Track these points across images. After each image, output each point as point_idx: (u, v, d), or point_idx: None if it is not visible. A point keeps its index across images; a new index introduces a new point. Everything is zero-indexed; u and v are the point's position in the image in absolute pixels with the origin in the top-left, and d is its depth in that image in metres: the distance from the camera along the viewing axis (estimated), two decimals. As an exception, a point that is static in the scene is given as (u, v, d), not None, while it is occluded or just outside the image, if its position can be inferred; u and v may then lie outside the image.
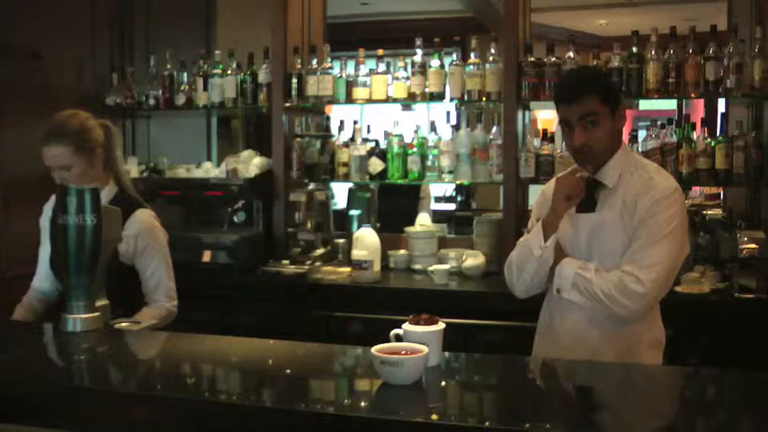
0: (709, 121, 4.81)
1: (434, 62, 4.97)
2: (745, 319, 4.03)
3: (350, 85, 5.16)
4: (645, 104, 6.60)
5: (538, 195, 3.38)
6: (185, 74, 5.59)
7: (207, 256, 5.02)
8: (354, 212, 5.48)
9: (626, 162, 3.11)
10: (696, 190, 6.68)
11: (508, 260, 3.23)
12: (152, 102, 5.60)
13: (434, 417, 2.22)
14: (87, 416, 2.48)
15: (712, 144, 4.54)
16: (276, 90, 5.28)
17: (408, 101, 5.07)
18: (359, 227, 4.95)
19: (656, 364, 3.12)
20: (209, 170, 5.50)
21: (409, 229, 5.11)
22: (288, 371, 2.75)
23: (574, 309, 3.05)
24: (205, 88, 5.47)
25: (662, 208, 2.98)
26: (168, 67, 5.57)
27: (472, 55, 4.95)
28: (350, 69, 5.20)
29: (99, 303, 3.15)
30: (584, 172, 3.09)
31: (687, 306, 4.13)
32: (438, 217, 5.49)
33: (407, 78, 5.03)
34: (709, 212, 5.61)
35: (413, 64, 5.01)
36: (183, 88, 5.54)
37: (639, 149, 4.69)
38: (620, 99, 3.12)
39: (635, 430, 2.22)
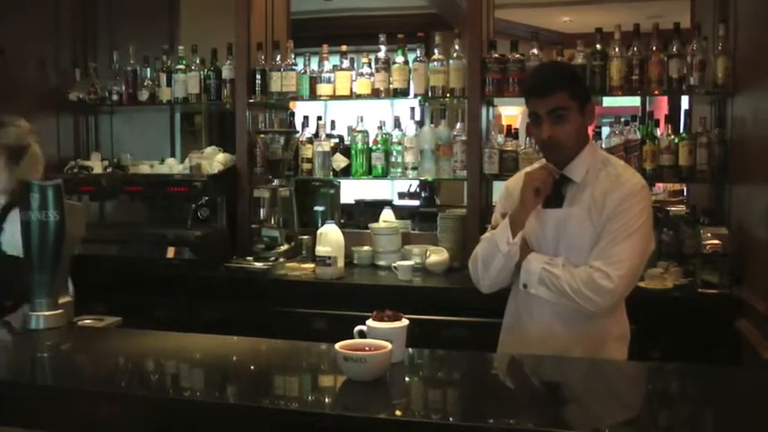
0: (672, 118, 4.86)
1: (398, 58, 4.97)
2: (708, 314, 4.07)
3: (314, 81, 5.15)
4: (608, 101, 6.65)
5: (501, 191, 3.39)
6: (148, 69, 5.56)
7: (171, 252, 4.97)
8: (318, 209, 5.47)
9: (593, 158, 3.14)
10: (660, 186, 6.75)
11: (473, 255, 3.24)
12: (115, 97, 5.56)
13: (398, 413, 2.24)
14: (50, 414, 2.47)
15: (676, 141, 4.58)
16: (240, 86, 5.26)
17: (372, 97, 5.06)
18: (323, 223, 4.94)
19: (623, 358, 3.16)
20: (173, 166, 5.48)
21: (373, 225, 5.11)
22: (251, 367, 2.75)
23: (540, 304, 3.07)
24: (168, 84, 5.45)
25: (630, 205, 3.02)
26: (131, 62, 5.53)
27: (436, 51, 4.96)
28: (314, 65, 5.18)
29: (62, 300, 3.14)
30: (552, 167, 3.11)
31: (650, 301, 4.15)
32: (402, 213, 5.49)
33: (371, 75, 5.03)
34: (672, 209, 5.69)
35: (377, 60, 5.01)
36: (146, 84, 5.50)
37: (603, 146, 4.70)
38: (589, 96, 3.15)
39: (599, 423, 2.24)
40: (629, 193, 3.04)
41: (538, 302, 3.08)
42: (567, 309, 3.03)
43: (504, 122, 5.47)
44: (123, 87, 5.55)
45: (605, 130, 4.99)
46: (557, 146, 3.06)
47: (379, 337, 2.51)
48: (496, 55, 4.83)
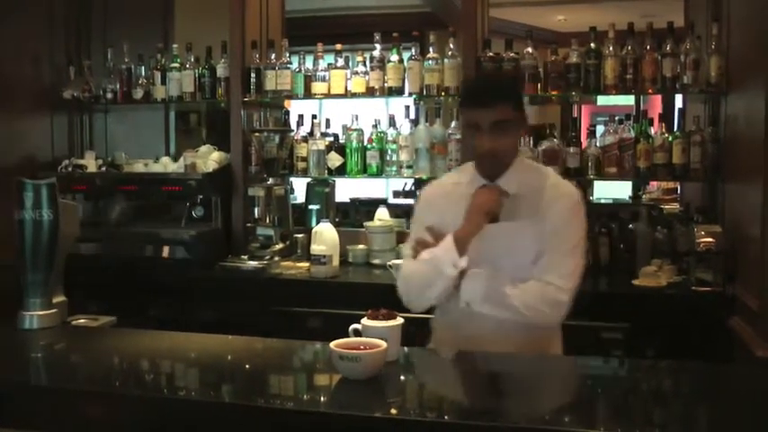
0: (666, 116, 4.86)
1: (393, 57, 4.97)
2: (702, 311, 4.07)
3: (308, 79, 5.15)
4: (602, 100, 6.62)
5: (420, 201, 3.32)
6: (143, 68, 5.55)
7: (165, 252, 4.98)
8: (313, 207, 5.47)
9: (524, 168, 3.14)
10: (653, 185, 6.75)
11: (404, 276, 3.15)
12: (109, 95, 5.55)
13: (393, 411, 2.24)
14: (45, 415, 2.47)
15: (669, 139, 4.59)
16: (234, 84, 5.26)
17: (367, 95, 5.06)
18: (317, 222, 4.94)
19: None
20: (168, 165, 5.46)
21: (368, 223, 5.11)
22: (247, 366, 2.75)
23: (481, 318, 2.97)
24: (163, 82, 5.43)
25: (574, 215, 3.05)
26: (126, 60, 5.52)
27: (431, 50, 4.96)
28: (308, 64, 5.19)
29: (56, 300, 3.13)
30: (499, 187, 3.05)
31: (644, 299, 4.19)
32: (397, 212, 5.48)
33: (366, 73, 5.03)
34: (666, 207, 5.70)
35: (371, 59, 5.01)
36: (140, 82, 5.50)
37: (597, 145, 4.73)
38: (524, 108, 3.16)
39: (606, 423, 2.25)
40: (571, 205, 3.06)
41: (478, 317, 2.98)
42: (510, 322, 2.97)
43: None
44: (118, 85, 5.54)
45: (599, 129, 4.99)
46: (496, 157, 3.03)
47: (374, 335, 2.52)
48: (491, 54, 4.82)
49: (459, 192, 3.13)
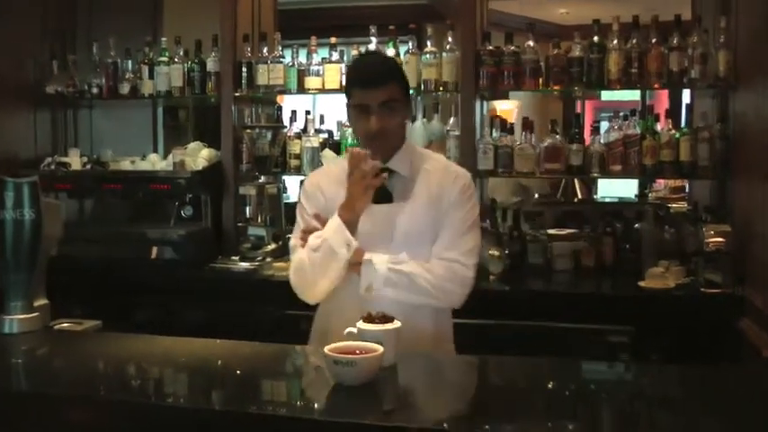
0: (673, 112, 4.86)
1: (389, 51, 4.95)
2: (711, 313, 4.07)
3: (302, 74, 5.14)
4: (607, 95, 6.62)
5: (304, 190, 3.29)
6: (130, 62, 5.53)
7: (153, 252, 4.97)
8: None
9: (413, 152, 3.24)
10: (660, 183, 6.76)
11: (297, 266, 3.13)
12: (95, 90, 5.53)
13: (389, 419, 2.22)
14: (27, 421, 2.45)
15: (677, 136, 4.57)
16: (225, 79, 5.24)
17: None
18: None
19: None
20: (155, 162, 5.45)
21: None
22: (238, 371, 2.74)
23: (382, 306, 2.82)
24: (151, 77, 5.42)
25: (469, 195, 3.17)
26: (112, 54, 5.50)
27: (428, 43, 4.95)
28: (302, 58, 5.18)
29: (38, 303, 3.11)
30: (377, 161, 3.06)
31: (651, 301, 4.19)
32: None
33: (362, 67, 5.01)
34: (673, 206, 5.70)
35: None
36: (127, 77, 5.48)
37: (602, 141, 4.72)
38: (410, 90, 3.33)
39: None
40: (464, 184, 3.16)
41: (377, 305, 2.84)
42: (413, 308, 3.02)
43: (500, 117, 5.43)
44: (103, 80, 5.51)
45: (604, 125, 4.99)
46: (385, 137, 3.08)
47: (370, 339, 2.51)
48: (491, 47, 4.82)
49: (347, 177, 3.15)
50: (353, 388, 2.37)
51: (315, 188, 3.24)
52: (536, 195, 6.28)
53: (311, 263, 3.04)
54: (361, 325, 2.60)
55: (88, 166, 5.45)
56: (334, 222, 3.00)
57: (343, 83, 4.96)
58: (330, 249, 2.98)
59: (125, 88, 5.47)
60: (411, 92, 4.96)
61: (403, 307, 2.94)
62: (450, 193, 3.11)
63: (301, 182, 5.32)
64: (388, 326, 2.59)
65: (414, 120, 5.02)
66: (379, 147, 3.08)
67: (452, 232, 3.07)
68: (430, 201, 3.10)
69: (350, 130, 5.03)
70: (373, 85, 3.04)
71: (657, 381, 2.69)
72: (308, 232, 3.10)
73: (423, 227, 3.08)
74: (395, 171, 3.13)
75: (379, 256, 3.02)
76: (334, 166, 3.36)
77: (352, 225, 2.99)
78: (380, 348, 2.44)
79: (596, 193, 7.04)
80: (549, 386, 2.60)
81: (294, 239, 3.21)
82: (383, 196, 3.09)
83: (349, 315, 2.86)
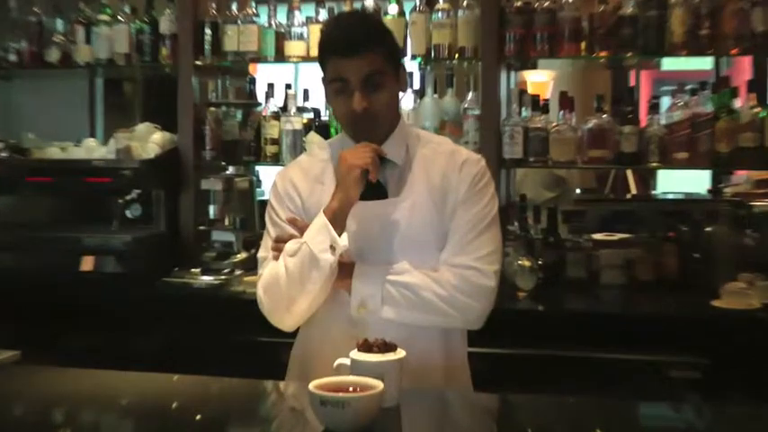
0: (757, 84, 4.83)
1: (391, 8, 4.96)
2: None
3: (281, 37, 5.17)
4: (669, 63, 6.63)
5: (277, 189, 3.24)
6: (60, 21, 5.54)
7: (89, 264, 5.00)
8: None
9: (408, 134, 3.22)
10: (740, 175, 6.74)
11: (266, 282, 3.08)
12: (13, 58, 5.55)
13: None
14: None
15: (761, 115, 4.56)
16: (184, 44, 5.26)
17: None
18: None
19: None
20: (93, 149, 5.46)
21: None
22: (198, 416, 2.75)
23: (376, 329, 2.84)
24: (88, 41, 5.43)
25: (483, 185, 3.12)
26: (36, 11, 5.51)
27: (440, 0, 4.95)
28: (281, 18, 5.20)
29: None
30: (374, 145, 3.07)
31: (729, 326, 4.19)
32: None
33: (356, 30, 5.01)
34: (757, 203, 5.66)
35: (363, 11, 4.98)
36: (57, 40, 5.49)
37: (662, 122, 4.72)
38: (401, 60, 3.26)
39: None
40: (476, 172, 3.12)
41: (373, 329, 2.87)
42: (420, 331, 3.01)
43: (531, 91, 5.44)
44: (25, 45, 5.52)
45: (665, 102, 4.99)
46: (373, 119, 3.05)
47: (367, 373, 2.50)
48: (519, 3, 4.83)
49: (329, 170, 3.18)
50: (346, 435, 2.37)
51: (288, 187, 3.21)
52: (577, 191, 6.28)
53: (287, 274, 2.98)
54: (356, 355, 2.59)
55: (5, 154, 5.44)
56: (318, 221, 2.96)
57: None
58: (310, 255, 2.93)
59: (53, 55, 5.48)
60: (417, 60, 5.01)
61: (406, 330, 2.94)
62: (459, 185, 3.08)
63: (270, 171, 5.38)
64: (390, 356, 2.59)
65: (422, 95, 5.04)
66: (366, 130, 3.08)
67: (464, 233, 3.04)
68: (432, 194, 3.08)
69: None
70: (351, 54, 3.00)
71: (735, 428, 2.68)
72: (281, 241, 3.05)
73: (426, 227, 3.06)
74: (388, 159, 3.10)
75: (373, 267, 3.01)
76: (312, 158, 3.33)
77: (339, 219, 2.96)
78: (380, 384, 2.42)
79: (655, 188, 7.05)
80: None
81: (262, 251, 3.18)
82: (374, 191, 3.06)
83: (338, 342, 2.86)
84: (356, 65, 2.99)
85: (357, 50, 2.99)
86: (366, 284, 2.98)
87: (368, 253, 3.05)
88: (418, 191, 3.08)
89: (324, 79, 3.11)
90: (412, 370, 2.80)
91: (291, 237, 3.03)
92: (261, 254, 3.19)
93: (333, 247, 2.91)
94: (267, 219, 3.22)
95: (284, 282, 2.98)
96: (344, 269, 2.98)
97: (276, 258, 3.04)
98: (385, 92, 3.05)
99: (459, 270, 2.99)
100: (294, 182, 3.20)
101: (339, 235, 2.93)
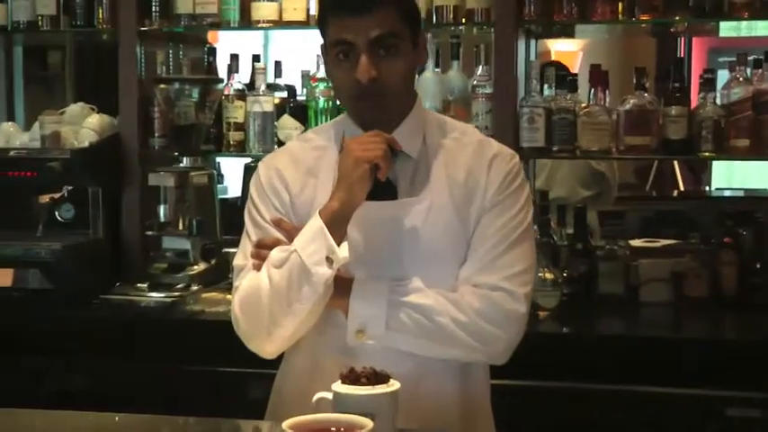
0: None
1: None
2: None
3: (246, -2, 5.21)
4: (727, 29, 6.69)
5: (256, 183, 3.22)
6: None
7: (7, 278, 5.00)
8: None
9: (426, 120, 3.20)
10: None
11: (249, 293, 3.01)
12: None
13: None
14: None
15: None
16: (126, 4, 5.26)
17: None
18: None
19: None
20: (12, 136, 5.48)
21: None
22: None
23: (381, 360, 2.76)
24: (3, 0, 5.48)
25: (516, 187, 3.08)
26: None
27: (445, -51, 5.01)
28: (246, -28, 5.23)
29: None
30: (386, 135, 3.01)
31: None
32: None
33: (340, -13, 5.07)
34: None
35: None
36: (-35, 0, 5.52)
37: (719, 102, 4.78)
38: (420, 23, 3.21)
39: None
40: (508, 171, 3.08)
41: (374, 358, 2.79)
42: (431, 363, 3.00)
43: (556, 64, 5.50)
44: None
45: (722, 75, 5.03)
46: (382, 93, 3.00)
47: (354, 409, 2.51)
48: (539, -45, 4.89)
49: (325, 160, 3.16)
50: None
51: (275, 179, 3.15)
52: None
53: (271, 288, 2.91)
54: (340, 387, 2.59)
55: None
56: (312, 225, 2.90)
57: (312, 12, 5.03)
58: (300, 267, 2.86)
59: (-38, 18, 5.52)
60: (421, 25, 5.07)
61: (414, 362, 2.96)
62: (487, 187, 3.03)
63: (247, 167, 5.42)
64: (382, 388, 2.59)
65: (421, 69, 5.02)
66: (372, 109, 3.04)
67: (492, 245, 2.99)
68: (453, 196, 3.04)
69: (321, 85, 5.08)
70: (359, 12, 2.94)
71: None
72: (264, 247, 3.00)
73: (444, 236, 3.02)
74: (400, 151, 3.04)
75: (376, 281, 2.97)
76: (304, 144, 3.29)
77: (340, 224, 2.89)
78: (369, 424, 2.44)
79: (709, 184, 7.09)
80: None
81: (240, 258, 3.14)
82: (383, 189, 3.00)
83: (329, 375, 2.72)
84: (365, 24, 2.93)
85: (366, 6, 2.93)
86: (367, 305, 2.92)
87: (371, 266, 2.99)
88: (436, 191, 3.04)
89: (323, 46, 3.08)
90: (422, 411, 2.88)
91: (277, 242, 2.98)
92: (237, 261, 3.14)
93: (329, 259, 2.83)
94: (247, 218, 3.18)
95: (267, 298, 2.91)
96: (341, 285, 2.91)
97: (257, 268, 2.98)
98: (399, 60, 2.99)
99: (483, 291, 2.94)
100: (282, 173, 3.14)
101: (338, 244, 2.84)
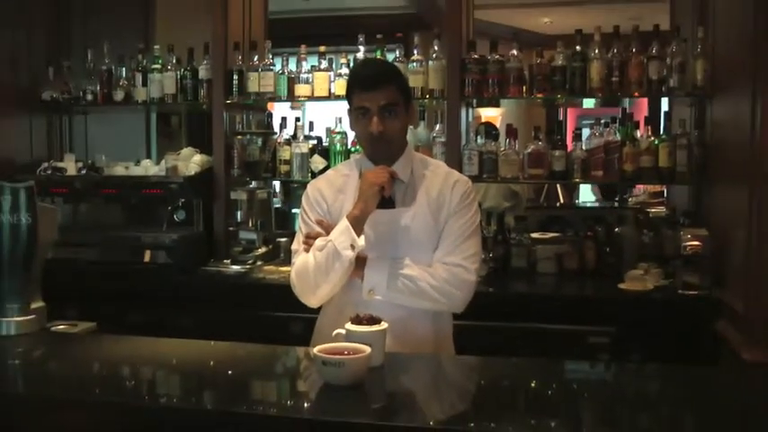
0: (652, 119, 4.88)
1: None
2: (688, 315, 4.09)
3: (291, 81, 5.14)
4: (588, 103, 6.66)
5: (307, 198, 3.28)
6: (123, 69, 5.52)
7: (146, 256, 4.97)
8: (296, 210, 5.46)
9: (413, 158, 3.24)
10: (640, 188, 6.79)
11: (298, 268, 3.12)
12: (89, 97, 5.51)
13: (377, 417, 2.24)
14: (23, 423, 2.45)
15: (655, 142, 4.60)
16: (217, 86, 5.24)
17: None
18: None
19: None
20: (149, 168, 5.44)
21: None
22: (229, 372, 2.75)
23: (381, 310, 2.84)
24: (144, 84, 5.41)
25: (469, 202, 3.17)
26: (106, 61, 5.49)
27: (415, 52, 4.95)
28: (291, 66, 5.18)
29: (35, 305, 3.11)
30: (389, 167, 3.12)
31: (630, 303, 4.22)
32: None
33: (350, 75, 5.02)
34: (652, 210, 5.73)
35: (355, 60, 5.00)
36: (121, 83, 5.46)
37: (583, 147, 4.76)
38: (411, 96, 3.28)
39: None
40: (465, 191, 3.17)
41: (379, 308, 2.88)
42: (415, 312, 3.09)
43: (484, 123, 5.49)
44: (98, 87, 5.50)
45: (585, 132, 5.01)
46: (388, 141, 3.09)
47: (359, 340, 2.52)
48: (476, 56, 4.84)
49: (349, 183, 3.22)
50: (342, 388, 2.38)
51: (317, 195, 3.25)
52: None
53: (315, 264, 3.04)
54: (349, 326, 2.61)
55: (83, 171, 5.43)
56: (342, 224, 3.01)
57: (332, 90, 5.04)
58: (334, 250, 2.98)
59: (119, 95, 5.46)
60: (412, 98, 5.02)
61: (404, 311, 3.05)
62: (451, 200, 3.13)
63: (283, 184, 5.36)
64: (376, 327, 2.60)
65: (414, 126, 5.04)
66: (382, 150, 3.12)
67: (454, 238, 3.10)
68: (430, 207, 3.13)
69: (338, 136, 5.05)
70: (373, 88, 3.04)
71: (636, 380, 2.72)
72: (311, 237, 3.12)
73: (424, 232, 3.11)
74: (397, 177, 3.14)
75: (381, 260, 3.06)
76: (336, 172, 3.35)
77: (359, 224, 3.01)
78: (368, 349, 2.45)
79: (578, 199, 7.07)
80: (533, 385, 2.62)
81: (296, 244, 3.21)
82: (385, 202, 3.10)
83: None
84: (376, 96, 3.03)
85: (377, 84, 3.05)
86: (375, 274, 3.04)
87: (378, 251, 3.09)
88: (419, 203, 3.13)
89: (349, 110, 3.15)
90: (407, 341, 3.00)
91: (318, 234, 3.09)
92: (294, 246, 3.24)
93: (353, 246, 2.97)
94: (300, 219, 3.29)
95: (312, 270, 3.05)
96: (359, 262, 3.03)
97: (307, 251, 3.10)
98: (397, 120, 3.08)
99: (449, 267, 3.06)
100: (322, 191, 3.25)
101: (358, 236, 2.98)
